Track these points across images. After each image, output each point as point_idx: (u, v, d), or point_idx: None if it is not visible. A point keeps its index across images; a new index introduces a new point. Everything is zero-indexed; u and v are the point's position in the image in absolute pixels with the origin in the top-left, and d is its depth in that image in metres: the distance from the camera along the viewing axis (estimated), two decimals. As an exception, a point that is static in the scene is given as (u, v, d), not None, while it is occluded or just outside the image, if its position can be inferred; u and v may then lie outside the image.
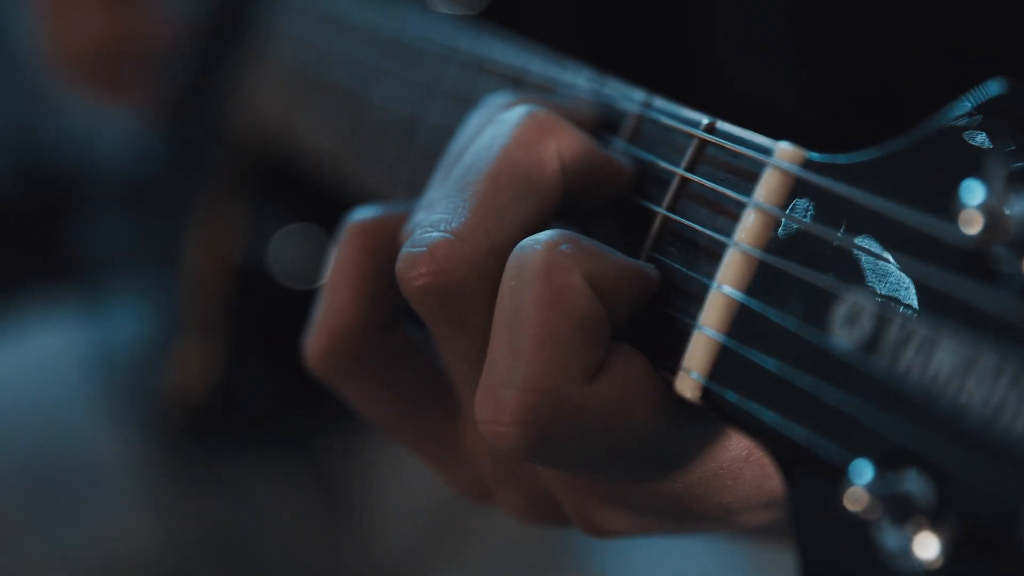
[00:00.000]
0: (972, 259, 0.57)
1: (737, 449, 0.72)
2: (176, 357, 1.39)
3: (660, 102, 0.75)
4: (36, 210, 1.77)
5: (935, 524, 0.56)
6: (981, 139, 0.59)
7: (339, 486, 1.44)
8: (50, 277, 1.68)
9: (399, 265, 0.72)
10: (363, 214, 0.79)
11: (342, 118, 1.09)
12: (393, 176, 0.98)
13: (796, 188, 0.65)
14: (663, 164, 0.73)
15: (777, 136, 0.68)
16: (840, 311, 0.61)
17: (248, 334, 1.39)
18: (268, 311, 1.36)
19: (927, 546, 0.56)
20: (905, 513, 0.57)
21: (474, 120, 0.77)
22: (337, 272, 0.78)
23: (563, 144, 0.73)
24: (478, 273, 0.71)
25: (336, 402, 1.39)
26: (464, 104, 0.86)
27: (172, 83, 1.46)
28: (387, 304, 0.77)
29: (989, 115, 0.59)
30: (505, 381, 0.67)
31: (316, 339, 0.78)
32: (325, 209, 1.11)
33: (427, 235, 0.71)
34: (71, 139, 1.68)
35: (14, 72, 1.54)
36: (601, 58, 0.87)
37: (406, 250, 0.71)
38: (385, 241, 0.77)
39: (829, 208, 0.63)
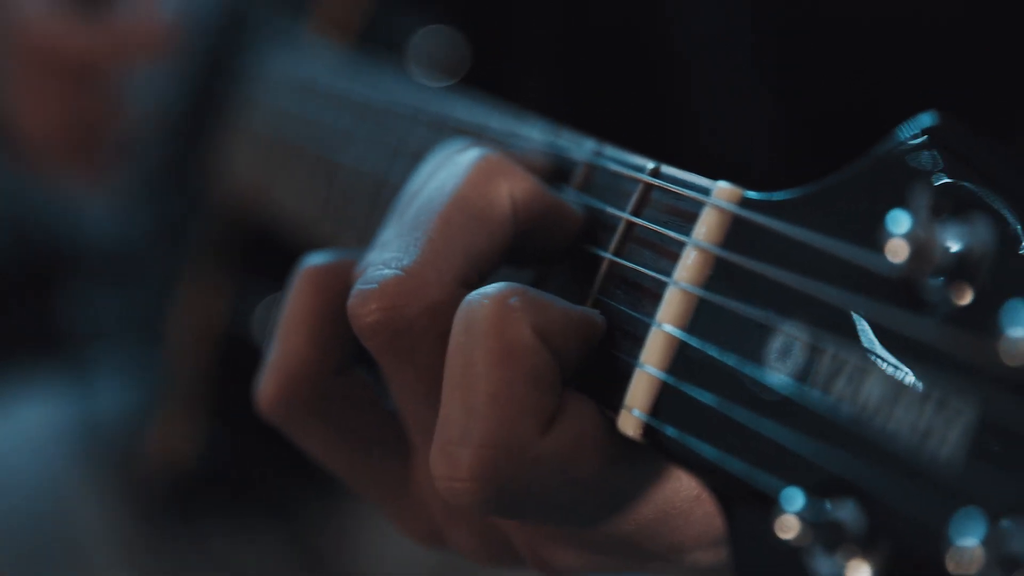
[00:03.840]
0: (900, 288, 0.58)
1: (688, 489, 0.73)
2: (160, 426, 1.40)
3: (610, 150, 0.76)
4: (23, 282, 1.77)
5: (866, 551, 0.56)
6: (910, 170, 0.59)
7: (324, 555, 1.44)
8: (36, 349, 1.68)
9: (351, 302, 0.72)
10: (316, 259, 0.80)
11: (316, 182, 1.10)
12: (364, 238, 0.99)
13: (733, 226, 0.66)
14: (610, 210, 0.73)
15: (746, 179, 0.69)
16: (775, 344, 0.62)
17: (232, 402, 1.39)
18: (252, 379, 1.36)
19: (858, 573, 0.56)
20: (837, 540, 0.57)
21: (429, 164, 0.78)
22: (291, 315, 0.78)
23: (515, 186, 0.74)
24: (429, 310, 0.71)
25: (322, 471, 1.39)
26: None
27: (145, 159, 1.48)
28: (340, 347, 0.78)
29: (920, 147, 0.60)
30: (459, 438, 0.68)
31: (269, 382, 0.78)
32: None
33: (379, 272, 0.72)
34: (58, 211, 1.69)
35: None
36: (581, 117, 0.88)
37: (358, 287, 0.72)
38: (338, 285, 0.78)
39: (765, 244, 0.64)
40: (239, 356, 1.37)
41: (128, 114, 1.47)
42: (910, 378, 0.56)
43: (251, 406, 1.39)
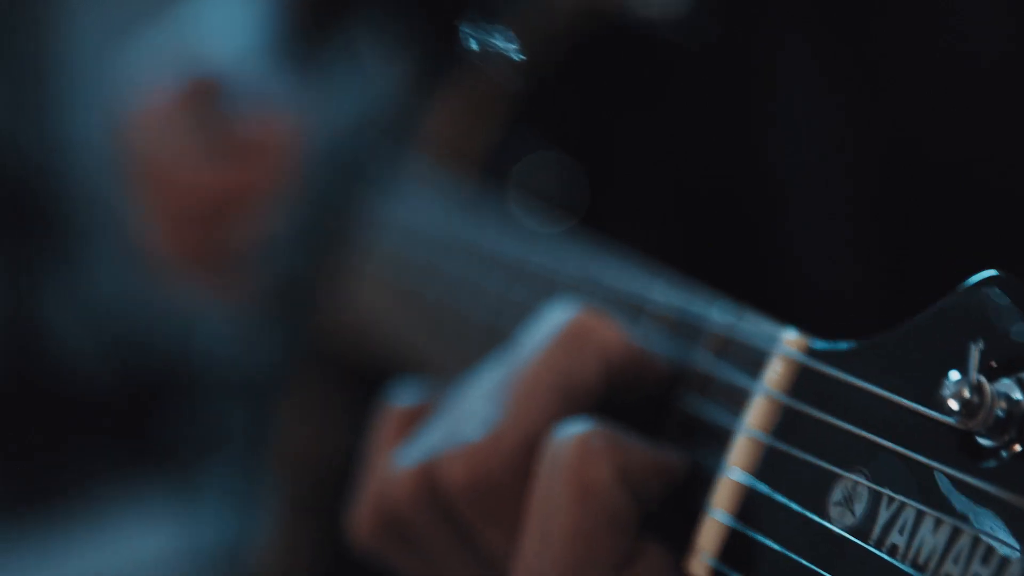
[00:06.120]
0: (954, 439, 0.59)
1: None
2: (266, 548, 1.42)
3: (691, 298, 0.78)
4: (129, 399, 1.81)
5: None
6: (969, 326, 0.61)
7: None
8: (142, 465, 1.72)
9: (437, 463, 0.75)
10: (401, 399, 0.82)
11: (430, 330, 1.12)
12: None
13: (800, 375, 0.68)
14: (687, 357, 0.76)
15: (839, 316, 0.70)
16: (837, 492, 0.63)
17: (336, 524, 1.41)
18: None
19: None
20: None
21: (532, 323, 0.80)
22: (378, 452, 0.81)
23: (606, 345, 0.75)
24: (512, 473, 0.73)
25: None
26: None
27: (264, 286, 1.51)
28: None
29: (979, 303, 0.61)
30: (535, 571, 0.70)
31: (362, 514, 0.80)
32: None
33: (464, 434, 0.74)
34: (168, 327, 1.73)
35: (111, 260, 1.60)
36: (689, 261, 0.90)
37: (443, 449, 0.75)
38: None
39: (830, 392, 0.66)
40: (346, 480, 1.40)
41: (253, 243, 1.51)
42: (961, 527, 0.58)
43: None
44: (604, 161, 1.26)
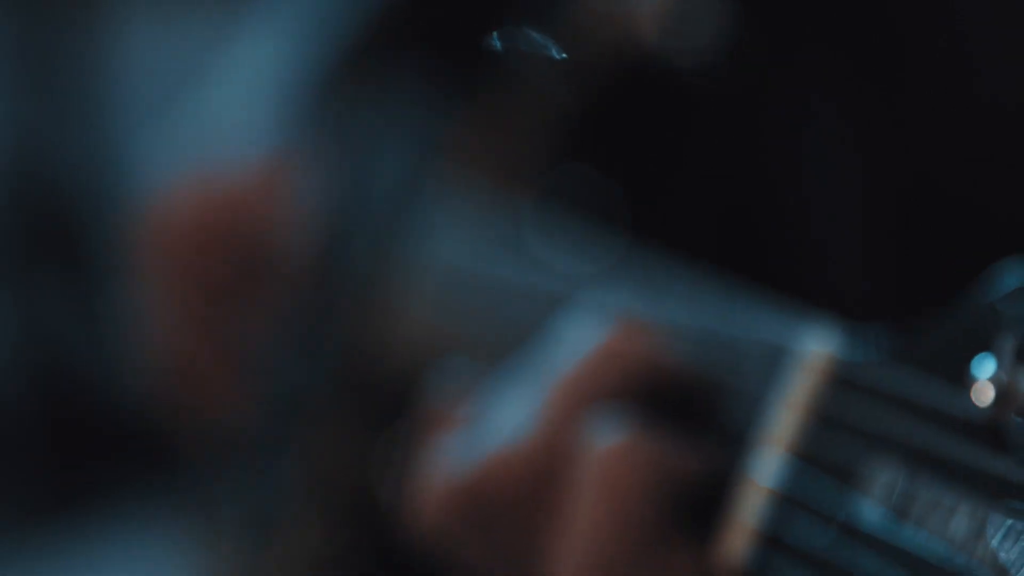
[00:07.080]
0: (986, 429, 0.60)
1: None
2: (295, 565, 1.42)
3: (724, 310, 0.79)
4: (147, 417, 1.81)
5: None
6: (998, 317, 0.62)
7: None
8: (160, 484, 1.71)
9: (473, 477, 0.76)
10: (448, 402, 0.85)
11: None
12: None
13: (831, 380, 0.68)
14: (719, 364, 0.76)
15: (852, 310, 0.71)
16: (872, 486, 0.64)
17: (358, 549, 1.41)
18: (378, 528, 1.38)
19: None
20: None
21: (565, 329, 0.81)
22: (428, 448, 0.82)
23: (642, 362, 0.76)
24: (544, 484, 0.75)
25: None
26: None
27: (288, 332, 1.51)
28: None
29: (1009, 294, 0.62)
30: (568, 569, 0.71)
31: (430, 497, 0.80)
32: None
33: (485, 444, 0.76)
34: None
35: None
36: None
37: (459, 459, 0.77)
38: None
39: (860, 396, 0.67)
40: (371, 518, 1.40)
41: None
42: (996, 512, 0.59)
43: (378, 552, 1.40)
44: (639, 189, 1.27)
